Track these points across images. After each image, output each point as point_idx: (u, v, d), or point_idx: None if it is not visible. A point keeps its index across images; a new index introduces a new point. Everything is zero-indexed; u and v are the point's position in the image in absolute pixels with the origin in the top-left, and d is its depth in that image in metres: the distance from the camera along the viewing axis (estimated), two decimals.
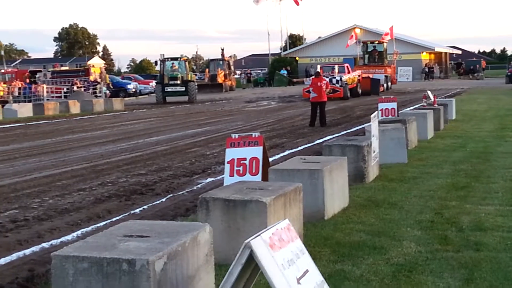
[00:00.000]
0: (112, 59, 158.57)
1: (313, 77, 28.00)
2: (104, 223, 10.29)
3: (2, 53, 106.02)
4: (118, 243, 5.30)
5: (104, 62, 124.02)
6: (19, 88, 51.92)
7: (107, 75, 66.76)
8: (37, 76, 62.82)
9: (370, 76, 52.24)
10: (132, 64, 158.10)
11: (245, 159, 10.35)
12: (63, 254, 5.11)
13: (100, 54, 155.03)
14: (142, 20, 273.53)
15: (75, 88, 55.41)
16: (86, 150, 20.59)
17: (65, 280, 5.04)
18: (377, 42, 61.48)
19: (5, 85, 51.85)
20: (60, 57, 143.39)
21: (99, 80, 59.46)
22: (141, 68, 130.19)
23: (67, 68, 78.28)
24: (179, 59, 53.77)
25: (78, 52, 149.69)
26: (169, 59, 52.53)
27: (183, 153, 19.07)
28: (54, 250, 5.76)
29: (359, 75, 51.13)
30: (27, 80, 57.71)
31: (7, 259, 8.45)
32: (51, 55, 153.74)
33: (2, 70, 77.38)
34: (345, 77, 46.98)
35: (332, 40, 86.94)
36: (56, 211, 11.35)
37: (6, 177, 15.34)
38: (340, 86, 45.64)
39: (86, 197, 12.53)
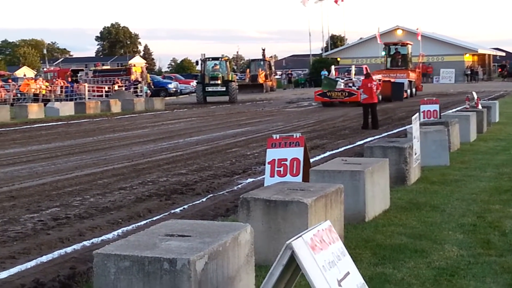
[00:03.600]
0: (153, 59, 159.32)
1: (364, 78, 27.84)
2: (144, 222, 10.33)
3: (45, 52, 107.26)
4: (159, 242, 5.30)
5: (145, 61, 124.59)
6: (61, 87, 52.37)
7: (148, 75, 67.09)
8: (79, 75, 63.39)
9: (392, 80, 46.71)
10: (173, 63, 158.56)
11: (286, 159, 10.34)
12: (105, 252, 5.13)
13: (141, 53, 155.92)
14: (183, 20, 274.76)
15: (116, 87, 55.79)
16: (127, 149, 20.70)
17: (106, 278, 5.06)
18: (400, 44, 56.12)
19: (47, 84, 52.34)
20: (101, 56, 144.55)
21: (140, 79, 59.81)
22: (182, 68, 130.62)
23: (108, 67, 78.87)
24: (220, 59, 53.86)
25: (119, 51, 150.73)
26: (210, 59, 52.65)
27: (223, 153, 19.09)
28: (95, 249, 5.79)
29: (379, 80, 43.03)
30: (69, 79, 58.24)
31: (49, 256, 8.50)
32: (93, 54, 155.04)
33: (45, 69, 78.36)
34: (357, 80, 41.95)
35: (373, 41, 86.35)
36: (97, 209, 11.41)
37: (48, 175, 15.46)
38: (357, 89, 39.54)
39: (127, 196, 12.59)
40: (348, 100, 40.50)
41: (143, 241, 5.39)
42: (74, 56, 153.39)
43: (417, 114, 13.86)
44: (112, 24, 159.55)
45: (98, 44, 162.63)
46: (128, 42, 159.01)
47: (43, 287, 7.17)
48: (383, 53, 54.69)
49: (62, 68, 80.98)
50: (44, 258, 8.42)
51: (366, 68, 44.22)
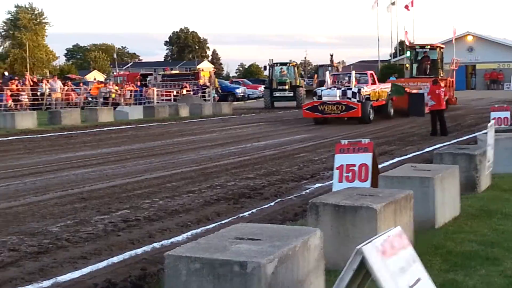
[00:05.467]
0: (221, 64, 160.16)
1: (431, 84, 27.50)
2: (213, 225, 10.40)
3: (115, 56, 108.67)
4: (230, 245, 5.33)
5: (213, 66, 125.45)
6: (131, 91, 52.98)
7: (216, 79, 67.41)
8: (148, 79, 63.96)
9: (408, 90, 37.86)
10: (240, 68, 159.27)
11: (354, 165, 10.29)
12: (176, 254, 5.18)
13: (210, 58, 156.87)
14: (252, 25, 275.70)
15: (184, 91, 56.18)
16: (195, 153, 20.85)
17: (178, 280, 5.11)
18: (428, 46, 45.66)
19: (117, 88, 53.01)
20: (170, 61, 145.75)
21: (208, 84, 60.11)
22: (249, 73, 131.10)
23: (177, 71, 79.46)
24: (287, 64, 53.82)
25: (188, 56, 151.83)
26: (278, 64, 52.66)
27: (291, 158, 19.10)
28: (165, 250, 5.86)
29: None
30: (138, 83, 58.86)
31: (120, 257, 8.63)
32: (162, 59, 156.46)
33: (115, 73, 79.35)
34: (366, 90, 33.58)
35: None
36: (166, 212, 11.53)
37: (118, 177, 15.67)
38: (358, 101, 32.23)
39: (195, 199, 12.68)
40: (345, 116, 32.29)
41: (213, 243, 5.42)
42: (143, 61, 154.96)
43: (493, 121, 13.67)
44: (181, 29, 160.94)
45: (167, 49, 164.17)
46: (197, 47, 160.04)
47: (115, 287, 7.27)
48: (407, 56, 47.75)
49: (132, 72, 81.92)
50: (115, 259, 8.55)
51: (372, 74, 36.17)
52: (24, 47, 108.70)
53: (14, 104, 42.40)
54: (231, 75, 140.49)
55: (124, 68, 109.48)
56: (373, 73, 36.84)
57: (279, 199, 12.69)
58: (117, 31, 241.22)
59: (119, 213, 11.41)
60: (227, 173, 16.08)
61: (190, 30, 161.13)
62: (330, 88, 33.27)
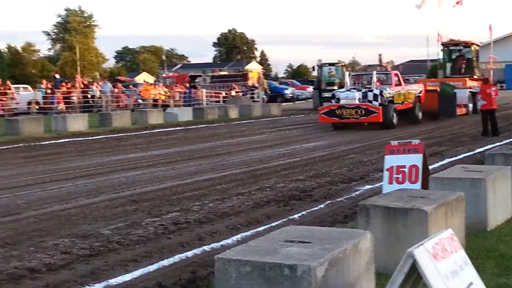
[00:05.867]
0: (269, 64, 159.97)
1: (482, 84, 27.17)
2: (263, 228, 10.39)
3: (164, 58, 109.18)
4: (280, 248, 5.34)
5: (262, 67, 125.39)
6: (180, 93, 53.25)
7: (265, 80, 67.48)
8: (196, 80, 64.25)
9: (439, 89, 35.42)
10: (289, 69, 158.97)
11: (404, 166, 10.25)
12: (226, 257, 5.19)
13: (258, 59, 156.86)
14: (300, 26, 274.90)
15: (233, 93, 56.35)
16: (244, 154, 20.89)
17: (228, 283, 5.12)
18: (462, 44, 42.78)
19: (166, 90, 53.32)
20: (218, 62, 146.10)
21: (257, 85, 60.25)
22: (298, 74, 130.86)
23: (226, 73, 79.73)
24: (336, 64, 53.64)
25: (236, 57, 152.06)
26: (327, 65, 52.50)
27: (340, 160, 19.05)
28: (215, 253, 5.88)
29: (420, 91, 34.21)
30: (187, 85, 59.15)
31: (170, 260, 8.67)
32: (210, 60, 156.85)
33: (164, 75, 79.76)
34: (390, 92, 30.76)
35: (496, 45, 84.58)
36: (216, 214, 11.56)
37: (168, 179, 15.76)
38: (380, 104, 29.51)
39: (245, 202, 12.70)
40: (365, 121, 29.64)
41: (263, 246, 5.43)
42: (192, 62, 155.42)
43: None
44: (229, 30, 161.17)
45: (215, 50, 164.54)
46: (245, 48, 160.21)
47: None
48: (439, 57, 44.60)
49: (181, 74, 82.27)
50: (165, 262, 8.59)
51: (397, 74, 33.35)
52: (74, 50, 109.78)
53: (65, 107, 42.93)
54: (279, 76, 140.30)
55: (173, 69, 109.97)
56: (398, 73, 34.19)
57: (329, 201, 12.65)
58: (166, 33, 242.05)
59: (169, 216, 11.47)
60: (277, 175, 16.09)
61: (238, 31, 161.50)
62: (349, 90, 30.96)
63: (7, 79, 54.78)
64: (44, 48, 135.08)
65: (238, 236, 9.88)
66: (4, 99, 42.48)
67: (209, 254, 8.63)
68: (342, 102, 30.01)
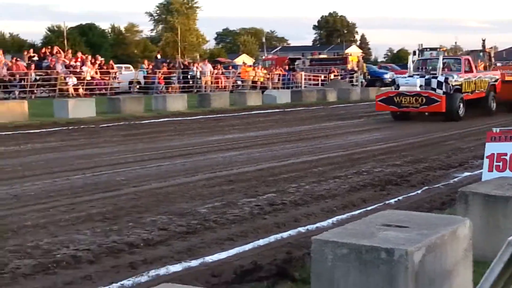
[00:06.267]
0: (369, 48, 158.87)
1: None
2: (358, 211, 10.35)
3: (264, 40, 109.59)
4: (377, 232, 5.30)
5: (362, 51, 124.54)
6: (279, 75, 53.36)
7: (364, 64, 66.99)
8: (296, 63, 64.26)
9: None
10: (389, 53, 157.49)
11: (506, 154, 10.03)
12: (323, 239, 5.18)
13: (358, 43, 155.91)
14: (401, 9, 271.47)
15: (332, 76, 56.18)
16: (342, 138, 20.84)
17: (324, 265, 5.11)
18: None
19: (265, 72, 53.51)
20: (318, 45, 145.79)
21: (356, 69, 59.90)
22: (398, 58, 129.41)
23: (325, 56, 79.45)
24: (437, 49, 52.82)
25: (336, 40, 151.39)
26: (428, 49, 51.72)
27: (438, 146, 18.82)
28: (310, 235, 5.88)
29: (495, 80, 30.78)
30: (286, 67, 59.22)
31: (266, 240, 8.71)
32: (310, 43, 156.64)
33: (263, 57, 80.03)
34: (457, 79, 27.57)
35: None
36: (312, 197, 11.56)
37: (265, 161, 15.84)
38: (444, 93, 26.54)
39: (341, 185, 12.66)
40: (425, 110, 26.90)
41: (360, 229, 5.40)
42: (291, 45, 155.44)
43: None
44: (329, 13, 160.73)
45: (315, 33, 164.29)
46: (345, 31, 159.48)
47: (261, 269, 7.35)
48: None
49: (280, 56, 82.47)
50: (260, 242, 8.64)
51: (468, 60, 29.73)
52: (176, 31, 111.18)
53: (165, 87, 43.56)
54: (379, 60, 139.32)
55: (272, 52, 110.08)
56: (470, 58, 30.48)
57: (426, 187, 12.50)
58: (267, 15, 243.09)
59: (265, 197, 11.51)
60: (374, 159, 15.99)
61: (339, 14, 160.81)
62: (411, 76, 28.09)
63: (110, 59, 55.95)
64: (146, 28, 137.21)
65: (334, 219, 9.86)
66: (107, 78, 43.35)
67: (304, 236, 8.64)
68: (401, 89, 27.31)
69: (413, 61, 30.51)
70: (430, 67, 28.89)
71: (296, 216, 10.13)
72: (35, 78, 38.74)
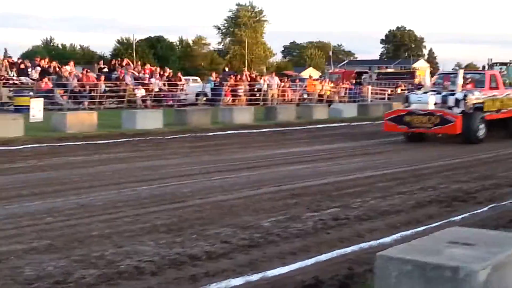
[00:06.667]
0: (437, 63, 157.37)
1: None
2: (423, 228, 10.21)
3: (331, 54, 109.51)
4: (443, 249, 5.23)
5: (429, 65, 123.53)
6: (345, 89, 53.18)
7: None
8: (363, 77, 64.04)
9: None
10: (457, 68, 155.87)
11: None
12: (388, 255, 5.14)
13: (426, 57, 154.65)
14: (469, 24, 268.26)
15: (399, 90, 55.77)
16: (407, 153, 20.69)
17: (387, 281, 5.07)
18: None
19: (332, 85, 53.37)
20: (385, 59, 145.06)
21: (423, 83, 59.38)
22: None
23: (392, 70, 79.00)
24: (508, 64, 52.17)
25: (403, 54, 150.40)
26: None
27: (507, 162, 18.51)
28: (373, 251, 5.83)
29: None
30: (353, 81, 59.02)
31: (328, 255, 8.64)
32: (377, 57, 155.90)
33: (330, 71, 79.94)
34: (478, 96, 24.15)
35: None
36: (377, 212, 11.46)
37: (330, 175, 15.77)
38: (460, 112, 23.27)
39: (406, 201, 12.53)
40: (438, 132, 24.11)
41: (426, 246, 5.34)
42: (358, 59, 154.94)
43: None
44: (397, 27, 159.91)
45: (382, 47, 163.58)
46: (413, 46, 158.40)
47: (322, 285, 7.30)
48: None
49: (347, 70, 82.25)
50: (323, 257, 8.58)
51: (495, 75, 26.53)
52: (243, 44, 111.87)
53: (232, 100, 43.75)
54: None
55: (339, 65, 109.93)
56: (497, 73, 27.27)
57: (493, 204, 12.29)
58: (334, 29, 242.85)
59: (329, 211, 11.45)
60: (439, 175, 15.79)
61: (407, 28, 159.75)
62: (425, 93, 24.99)
63: (178, 71, 56.44)
64: (214, 41, 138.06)
65: (398, 235, 9.74)
66: (175, 90, 43.73)
67: (367, 252, 8.57)
68: (412, 106, 24.29)
69: (436, 75, 27.42)
70: (450, 83, 25.42)
71: (360, 231, 10.05)
72: (105, 89, 39.29)
